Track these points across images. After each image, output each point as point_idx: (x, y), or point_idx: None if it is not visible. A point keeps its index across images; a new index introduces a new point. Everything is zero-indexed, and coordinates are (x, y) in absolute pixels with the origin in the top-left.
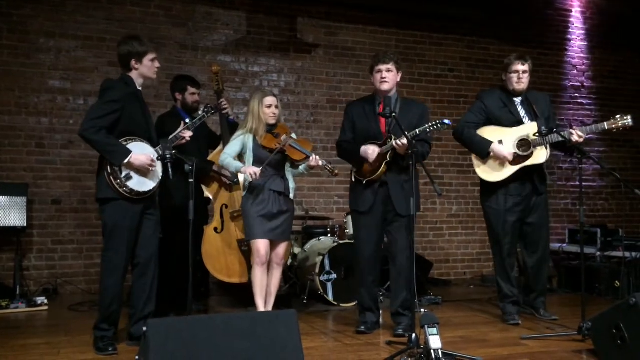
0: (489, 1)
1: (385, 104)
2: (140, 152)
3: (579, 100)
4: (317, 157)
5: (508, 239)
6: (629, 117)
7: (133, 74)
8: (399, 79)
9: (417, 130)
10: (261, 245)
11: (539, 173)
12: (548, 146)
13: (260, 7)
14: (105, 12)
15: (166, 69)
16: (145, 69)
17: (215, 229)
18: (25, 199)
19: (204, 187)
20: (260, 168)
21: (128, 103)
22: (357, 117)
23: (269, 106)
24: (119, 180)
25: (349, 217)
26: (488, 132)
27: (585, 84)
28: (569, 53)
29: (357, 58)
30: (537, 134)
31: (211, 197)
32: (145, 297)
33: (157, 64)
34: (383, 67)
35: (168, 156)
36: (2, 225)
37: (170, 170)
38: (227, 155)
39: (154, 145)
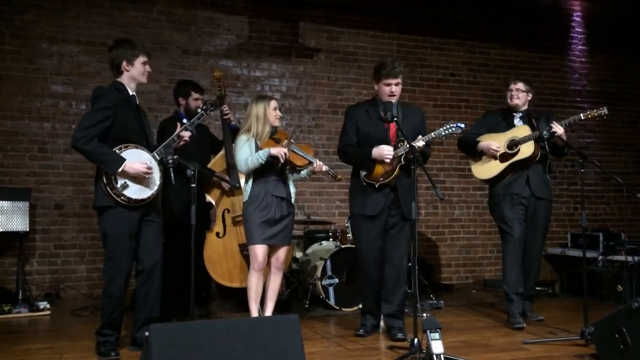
0: (490, 5)
1: (386, 108)
2: (136, 158)
3: (580, 105)
4: (321, 162)
5: (515, 243)
6: (604, 108)
7: (124, 78)
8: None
9: (432, 134)
10: (259, 250)
11: (537, 176)
12: (533, 143)
13: (262, 12)
14: (107, 17)
15: (168, 74)
16: (136, 72)
17: (217, 234)
18: (27, 203)
19: (206, 192)
20: (288, 147)
21: (120, 109)
22: (360, 120)
23: (275, 109)
24: (115, 190)
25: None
26: (483, 138)
27: (586, 88)
28: (570, 57)
29: (358, 62)
30: (536, 136)
31: (213, 202)
32: (149, 303)
33: (148, 68)
34: (393, 81)
35: (170, 161)
36: (4, 230)
37: (172, 175)
38: (245, 158)
39: (151, 150)
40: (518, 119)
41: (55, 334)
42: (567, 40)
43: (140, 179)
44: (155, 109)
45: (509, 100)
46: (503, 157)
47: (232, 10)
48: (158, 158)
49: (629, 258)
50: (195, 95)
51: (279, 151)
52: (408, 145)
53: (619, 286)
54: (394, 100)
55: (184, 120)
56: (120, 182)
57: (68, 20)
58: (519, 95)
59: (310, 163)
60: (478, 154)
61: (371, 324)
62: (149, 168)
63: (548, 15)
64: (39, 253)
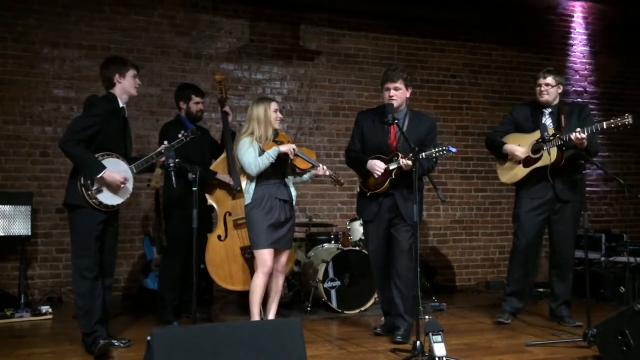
0: (491, 7)
1: (385, 110)
2: (115, 168)
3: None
4: (325, 167)
5: (522, 248)
6: (629, 117)
7: (116, 91)
8: (409, 94)
9: (422, 154)
10: (267, 254)
11: (563, 178)
12: (556, 149)
13: (263, 15)
14: (109, 21)
15: (170, 77)
16: (127, 84)
17: (219, 237)
18: (29, 207)
19: (207, 195)
20: (294, 145)
21: (108, 119)
22: (366, 127)
23: (275, 110)
24: (89, 192)
25: (353, 224)
26: (509, 139)
27: (587, 89)
28: (571, 58)
29: (359, 65)
30: (540, 140)
31: (215, 205)
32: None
33: (138, 81)
34: (391, 85)
35: (172, 164)
36: (6, 234)
37: (174, 178)
38: (254, 160)
39: (128, 162)
40: (547, 116)
41: (58, 338)
42: (568, 42)
43: (115, 187)
44: (157, 112)
45: (538, 97)
46: (527, 162)
47: (233, 13)
48: (135, 171)
49: (632, 259)
50: (196, 99)
51: (288, 148)
52: (401, 162)
53: (622, 287)
54: (394, 105)
55: (165, 142)
56: (96, 186)
57: (69, 25)
58: (549, 90)
59: (314, 167)
60: (504, 156)
61: (391, 323)
62: (125, 179)
63: (549, 16)
64: (40, 257)
